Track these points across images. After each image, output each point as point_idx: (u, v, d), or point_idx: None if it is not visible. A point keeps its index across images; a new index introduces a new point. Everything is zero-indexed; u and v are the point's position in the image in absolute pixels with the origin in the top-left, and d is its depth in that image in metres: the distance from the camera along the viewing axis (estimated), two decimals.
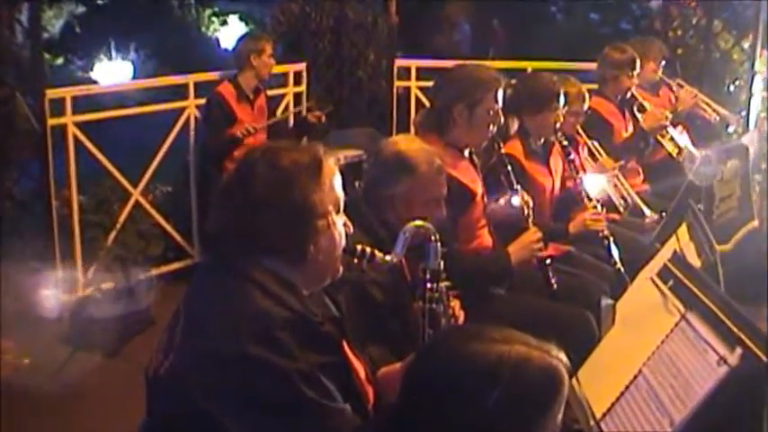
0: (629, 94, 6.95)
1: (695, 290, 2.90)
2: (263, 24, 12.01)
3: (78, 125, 6.98)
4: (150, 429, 2.74)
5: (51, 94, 6.74)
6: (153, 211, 7.67)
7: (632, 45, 7.13)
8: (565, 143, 5.67)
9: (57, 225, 6.77)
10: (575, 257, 5.52)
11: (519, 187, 4.93)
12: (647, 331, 3.00)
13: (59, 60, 18.80)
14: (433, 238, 3.38)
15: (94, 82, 17.03)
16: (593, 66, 7.11)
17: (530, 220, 4.83)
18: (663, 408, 2.67)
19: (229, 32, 20.38)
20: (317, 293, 2.84)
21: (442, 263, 3.44)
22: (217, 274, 2.68)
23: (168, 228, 7.76)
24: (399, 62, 9.35)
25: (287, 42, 9.34)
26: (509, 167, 4.98)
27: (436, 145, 4.31)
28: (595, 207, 5.44)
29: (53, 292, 6.51)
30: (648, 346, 2.91)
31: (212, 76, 7.97)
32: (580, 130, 6.21)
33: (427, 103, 7.53)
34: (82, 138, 7.01)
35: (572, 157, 5.68)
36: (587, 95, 6.11)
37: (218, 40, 21.40)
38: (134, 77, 18.01)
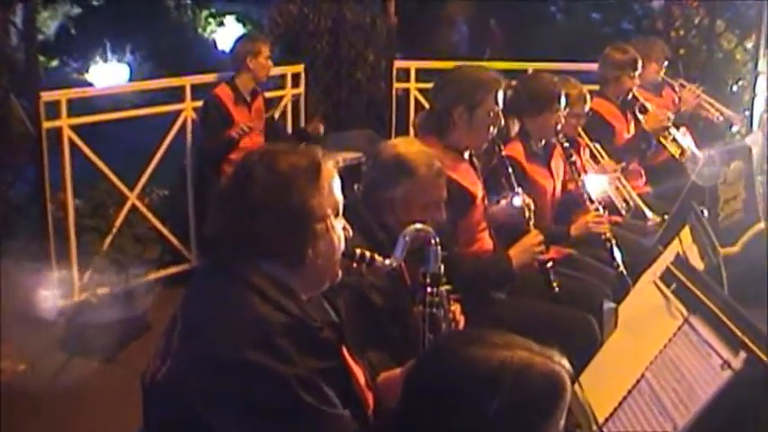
0: (630, 95, 6.94)
1: (698, 293, 2.89)
2: (261, 25, 12.02)
3: (74, 128, 6.99)
4: None
5: (46, 96, 6.73)
6: (149, 215, 7.66)
7: (634, 45, 7.13)
8: (566, 145, 5.67)
9: (52, 229, 6.78)
10: (576, 260, 5.52)
11: (520, 190, 4.93)
12: (649, 335, 3.00)
13: (54, 62, 18.78)
14: (433, 241, 3.38)
15: (90, 84, 17.01)
16: (594, 66, 7.11)
17: (531, 223, 4.83)
18: (666, 412, 2.67)
19: (226, 34, 20.34)
20: (316, 298, 2.84)
21: (442, 266, 3.45)
22: (215, 279, 2.69)
23: (165, 231, 7.75)
24: (398, 63, 9.36)
25: (284, 44, 9.33)
26: (510, 170, 4.98)
27: (436, 147, 4.31)
28: (597, 209, 5.44)
29: (49, 297, 6.51)
30: (651, 350, 2.90)
31: (209, 78, 7.97)
32: (581, 132, 6.21)
33: (427, 105, 7.53)
34: (77, 141, 7.01)
35: (573, 158, 5.68)
36: (588, 96, 6.11)
37: (214, 42, 21.37)
38: (130, 80, 17.99)
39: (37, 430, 5.51)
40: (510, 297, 4.86)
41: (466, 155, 4.82)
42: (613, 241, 5.30)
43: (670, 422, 2.63)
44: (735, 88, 9.02)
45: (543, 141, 5.64)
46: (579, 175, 5.64)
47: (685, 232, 3.67)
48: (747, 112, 8.46)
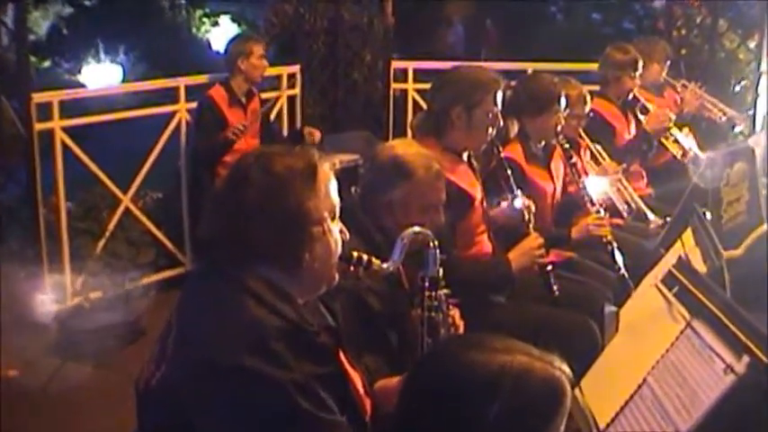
0: (631, 96, 6.94)
1: (701, 296, 2.89)
2: (256, 25, 12.03)
3: (66, 130, 6.99)
4: None
5: (38, 98, 6.74)
6: (143, 218, 7.67)
7: (636, 45, 7.13)
8: (566, 146, 5.67)
9: (44, 232, 6.78)
10: (577, 263, 5.52)
11: (519, 192, 4.93)
12: (651, 339, 3.00)
13: (46, 63, 18.79)
14: (431, 244, 3.39)
15: (82, 85, 17.02)
16: (594, 67, 7.11)
17: (531, 226, 4.83)
18: (668, 417, 2.67)
19: (221, 34, 20.36)
20: (312, 302, 2.84)
21: (440, 270, 3.45)
22: (210, 283, 2.68)
23: (159, 235, 7.75)
24: (396, 64, 9.36)
25: (280, 44, 9.35)
26: (509, 171, 4.98)
27: (434, 149, 4.30)
28: (598, 212, 5.44)
29: (41, 302, 6.50)
30: (653, 355, 2.90)
31: (203, 78, 7.97)
32: (582, 133, 6.21)
33: (424, 106, 7.53)
34: (69, 143, 7.01)
35: (574, 160, 5.68)
36: (589, 97, 6.11)
37: (209, 42, 21.39)
38: (123, 80, 18.01)
39: None
40: (510, 301, 4.86)
41: (464, 156, 4.81)
42: (614, 244, 5.30)
43: (672, 428, 2.63)
44: (738, 88, 9.04)
45: (543, 143, 5.64)
46: (580, 177, 5.64)
47: (687, 235, 3.67)
48: (750, 113, 8.47)
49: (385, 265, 3.20)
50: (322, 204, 2.70)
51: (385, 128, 9.18)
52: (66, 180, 6.98)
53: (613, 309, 3.56)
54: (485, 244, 4.90)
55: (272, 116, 8.44)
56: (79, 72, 18.79)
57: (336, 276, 2.84)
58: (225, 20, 21.69)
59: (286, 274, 2.67)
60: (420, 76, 9.04)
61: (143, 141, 7.73)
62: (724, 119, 7.71)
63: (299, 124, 8.76)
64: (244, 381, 2.45)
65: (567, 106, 5.59)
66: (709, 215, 3.92)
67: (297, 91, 8.91)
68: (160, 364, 2.60)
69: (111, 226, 7.38)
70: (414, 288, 3.58)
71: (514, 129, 5.61)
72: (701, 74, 8.81)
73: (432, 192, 3.96)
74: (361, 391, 2.96)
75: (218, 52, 18.45)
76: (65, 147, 6.97)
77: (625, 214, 6.09)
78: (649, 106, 7.00)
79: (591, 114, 6.22)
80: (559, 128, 5.55)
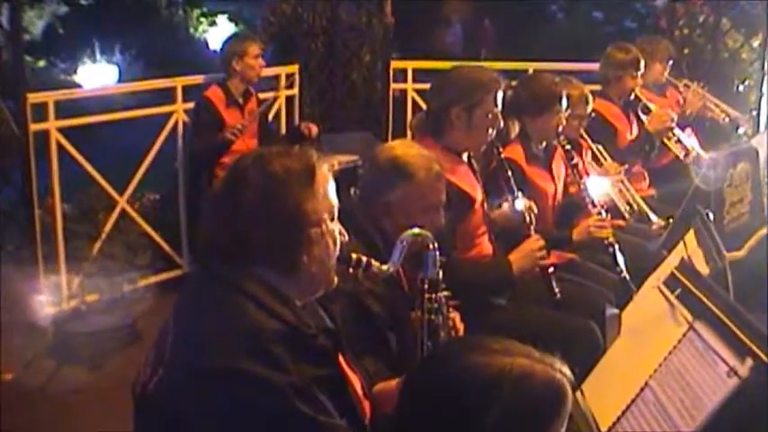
0: (633, 96, 6.93)
1: (704, 299, 2.89)
2: (254, 25, 12.03)
3: (62, 130, 6.99)
4: None
5: (33, 98, 6.74)
6: (140, 220, 7.67)
7: (637, 45, 7.14)
8: (567, 147, 5.67)
9: (40, 235, 6.77)
10: (578, 265, 5.52)
11: (520, 193, 4.93)
12: (653, 342, 3.00)
13: (41, 63, 18.76)
14: (431, 246, 3.39)
15: (78, 85, 17.00)
16: (595, 66, 7.11)
17: (532, 227, 4.83)
18: (671, 421, 2.67)
19: (218, 33, 20.35)
20: (311, 304, 2.84)
21: (440, 272, 3.45)
22: (207, 285, 2.68)
23: (156, 237, 7.76)
24: (395, 64, 9.36)
25: (278, 44, 9.34)
26: (509, 173, 4.98)
27: (433, 149, 4.29)
28: (600, 213, 5.44)
29: (37, 304, 6.50)
30: (655, 358, 2.90)
31: (201, 79, 7.97)
32: (583, 134, 6.21)
33: (424, 106, 7.53)
34: (65, 144, 7.01)
35: (575, 161, 5.68)
36: (591, 97, 6.11)
37: (206, 42, 21.38)
38: (119, 80, 17.99)
39: None
40: (510, 303, 4.87)
41: (464, 157, 4.81)
42: (616, 246, 5.30)
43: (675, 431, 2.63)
44: (741, 88, 9.03)
45: (544, 143, 5.64)
46: (581, 178, 5.64)
47: (690, 236, 3.66)
48: (754, 113, 8.47)
49: (384, 268, 3.20)
50: (320, 206, 2.70)
51: (384, 128, 9.18)
52: (62, 181, 6.98)
53: (615, 311, 3.57)
54: (485, 246, 4.90)
55: (270, 116, 8.42)
56: (75, 72, 18.78)
57: (335, 279, 2.84)
58: (222, 19, 21.69)
59: (284, 276, 2.67)
60: (419, 76, 9.04)
61: (140, 142, 7.73)
62: (727, 119, 7.71)
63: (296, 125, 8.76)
64: (242, 384, 2.45)
65: (568, 106, 5.59)
66: (711, 216, 3.92)
67: (295, 91, 8.92)
68: (157, 368, 2.60)
69: (108, 228, 7.39)
70: (413, 290, 3.57)
71: (515, 129, 5.61)
72: (704, 73, 8.80)
73: (432, 193, 3.95)
74: (361, 393, 2.97)
75: (215, 52, 18.38)
76: (60, 148, 6.97)
77: (627, 215, 6.09)
78: (651, 106, 6.99)
79: (592, 115, 6.21)
80: (560, 128, 5.55)
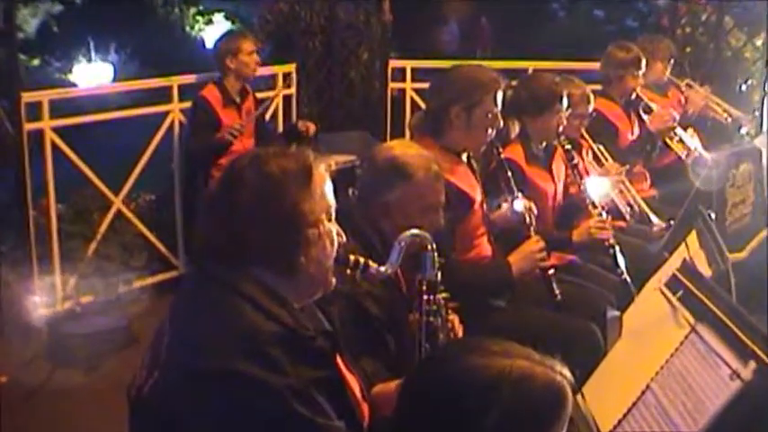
0: (634, 95, 6.93)
1: (706, 301, 2.89)
2: (251, 23, 12.02)
3: (56, 130, 6.99)
4: None
5: (27, 97, 6.74)
6: (135, 221, 7.67)
7: (639, 44, 7.14)
8: (568, 147, 5.67)
9: (34, 235, 6.77)
10: (579, 267, 5.52)
11: (520, 194, 4.93)
12: (655, 344, 3.00)
13: (36, 62, 18.76)
14: (429, 247, 3.39)
15: (73, 84, 17.01)
16: (596, 65, 7.11)
17: (532, 229, 4.83)
18: (673, 425, 2.67)
19: (215, 32, 20.34)
20: (309, 306, 2.84)
21: (439, 273, 3.45)
22: (203, 287, 2.68)
23: (152, 238, 7.76)
24: (393, 63, 9.37)
25: (276, 42, 9.34)
26: (509, 173, 4.98)
27: (432, 149, 4.29)
28: (600, 214, 5.44)
29: (30, 306, 6.50)
30: (657, 360, 2.90)
31: (197, 78, 7.95)
32: (585, 134, 6.21)
33: (423, 106, 7.53)
34: (60, 143, 7.01)
35: (575, 161, 5.68)
36: (592, 97, 6.10)
37: (203, 41, 21.37)
38: (115, 80, 17.98)
39: None
40: (510, 305, 4.86)
41: (464, 157, 4.81)
42: (617, 247, 5.30)
43: None
44: (744, 88, 9.04)
45: (544, 143, 5.64)
46: (581, 179, 5.64)
47: (692, 237, 3.67)
48: (757, 113, 8.48)
49: (382, 269, 3.20)
50: (317, 206, 2.70)
51: (382, 128, 9.18)
52: (57, 181, 6.98)
53: (616, 313, 3.57)
54: (484, 247, 4.90)
55: (268, 116, 8.42)
56: (70, 71, 18.77)
57: (333, 280, 2.84)
58: (219, 18, 21.68)
59: (281, 277, 2.67)
60: (418, 75, 9.04)
61: (135, 142, 7.73)
62: (729, 119, 7.71)
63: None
64: (239, 386, 2.45)
65: (569, 106, 5.59)
66: (713, 217, 3.92)
67: (292, 90, 8.91)
68: (153, 371, 2.60)
69: (103, 228, 7.38)
70: (412, 292, 3.57)
71: (515, 129, 5.60)
72: (707, 73, 8.81)
73: (430, 193, 3.95)
74: (359, 396, 2.97)
75: (211, 51, 18.43)
76: (55, 147, 6.97)
77: (628, 216, 6.09)
78: (653, 106, 6.99)
79: (593, 114, 6.21)
80: (561, 128, 5.55)
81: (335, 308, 3.08)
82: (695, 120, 7.51)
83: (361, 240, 3.65)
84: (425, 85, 5.65)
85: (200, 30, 21.89)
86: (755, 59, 9.08)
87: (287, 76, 8.87)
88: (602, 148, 6.35)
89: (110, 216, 7.44)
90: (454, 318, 3.84)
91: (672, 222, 5.19)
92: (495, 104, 4.73)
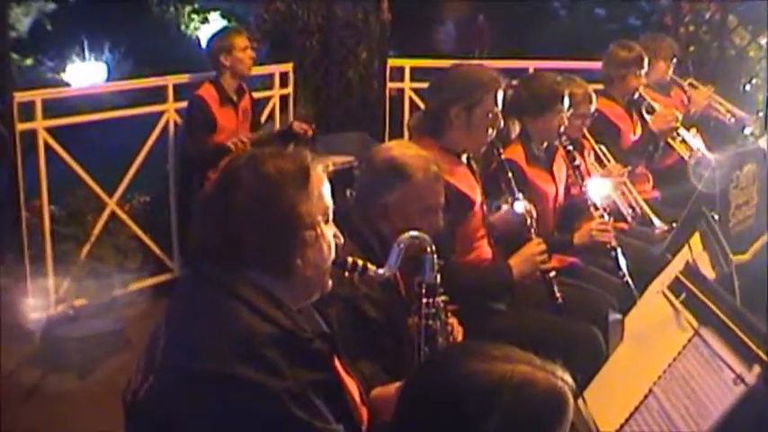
0: (636, 95, 6.93)
1: (709, 303, 2.89)
2: (247, 22, 12.03)
3: (49, 130, 6.98)
4: None
5: (20, 97, 6.73)
6: (130, 223, 7.66)
7: (641, 42, 7.13)
8: (569, 148, 5.67)
9: (26, 237, 6.76)
10: (580, 270, 5.52)
11: (521, 195, 4.92)
12: (657, 348, 3.00)
13: (29, 61, 18.78)
14: (429, 249, 3.39)
15: (66, 84, 17.04)
16: (598, 65, 7.11)
17: (532, 231, 4.83)
18: (675, 430, 2.67)
19: (210, 31, 20.34)
20: (306, 309, 2.84)
21: (438, 276, 3.45)
22: (199, 289, 2.68)
23: (146, 240, 7.75)
24: (392, 62, 9.37)
25: (272, 41, 9.35)
26: (510, 174, 4.97)
27: (431, 149, 4.29)
28: (602, 216, 5.44)
29: (23, 309, 6.50)
30: (660, 364, 2.90)
31: (192, 77, 7.94)
32: (586, 134, 6.21)
33: (422, 106, 7.52)
34: (53, 144, 7.00)
35: (577, 162, 5.68)
36: (594, 96, 6.10)
37: (198, 40, 21.39)
38: (109, 79, 18.02)
39: None
40: (510, 308, 4.86)
41: (463, 158, 4.80)
42: (619, 249, 5.30)
43: None
44: (748, 87, 9.03)
45: (545, 144, 5.64)
46: (583, 180, 5.64)
47: (695, 239, 3.67)
48: (761, 113, 8.47)
49: (381, 271, 3.20)
50: (315, 208, 2.70)
51: (381, 128, 9.19)
52: (50, 183, 6.96)
53: (618, 316, 3.56)
54: (485, 249, 4.90)
55: (264, 116, 8.42)
56: (63, 70, 18.80)
57: (330, 283, 2.84)
58: (215, 16, 21.70)
59: (278, 279, 2.67)
60: (417, 74, 9.04)
61: (130, 142, 7.73)
62: (733, 119, 7.70)
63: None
64: (235, 389, 2.45)
65: (571, 105, 5.59)
66: (716, 218, 3.92)
67: (289, 90, 8.92)
68: (148, 375, 2.60)
69: (97, 230, 7.38)
70: (411, 295, 3.57)
71: (516, 129, 5.60)
72: (710, 72, 8.82)
73: (430, 195, 3.95)
74: (357, 399, 2.97)
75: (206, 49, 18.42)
76: (48, 148, 6.96)
77: (630, 218, 6.09)
78: (656, 106, 6.99)
79: (595, 115, 6.21)
80: (562, 128, 5.55)
81: (333, 310, 3.09)
82: (698, 120, 7.51)
83: (360, 242, 3.65)
84: (424, 85, 5.65)
85: (195, 28, 21.92)
86: (760, 58, 9.08)
87: (284, 75, 8.86)
88: (603, 148, 6.35)
89: (104, 218, 7.44)
90: (453, 321, 3.84)
91: (674, 224, 5.19)
92: (496, 104, 4.73)
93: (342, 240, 2.88)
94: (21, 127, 6.71)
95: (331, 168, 6.84)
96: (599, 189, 5.69)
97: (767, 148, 5.32)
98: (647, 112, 6.98)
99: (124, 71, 17.74)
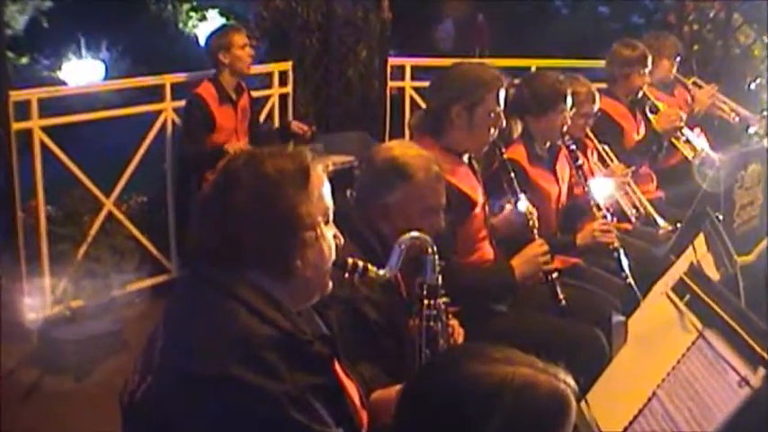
0: (640, 94, 6.93)
1: (714, 305, 2.89)
2: (246, 20, 12.04)
3: (45, 130, 6.98)
4: None
5: (16, 96, 6.73)
6: (127, 223, 7.66)
7: (644, 41, 7.14)
8: (572, 147, 5.67)
9: (22, 238, 6.76)
10: (583, 271, 5.52)
11: (523, 195, 4.92)
12: (661, 350, 3.00)
13: (24, 59, 18.76)
14: (430, 250, 3.39)
15: (63, 83, 17.02)
16: (601, 64, 7.11)
17: (535, 231, 4.83)
18: None
19: (209, 29, 20.34)
20: (306, 311, 2.84)
21: (440, 277, 3.45)
22: (197, 290, 2.68)
23: (144, 241, 7.75)
24: (392, 61, 9.37)
25: (271, 40, 9.33)
26: (512, 174, 4.97)
27: (432, 149, 4.29)
28: (605, 216, 5.44)
29: (19, 310, 6.50)
30: (663, 367, 2.91)
31: (190, 76, 7.94)
32: (590, 133, 6.21)
33: (423, 105, 7.52)
34: (49, 143, 7.00)
35: (580, 162, 5.68)
36: (597, 96, 6.11)
37: (196, 38, 21.38)
38: (106, 78, 18.00)
39: None
40: (512, 310, 4.86)
41: (465, 158, 4.80)
42: (622, 250, 5.30)
43: None
44: (752, 86, 9.03)
45: (548, 143, 5.64)
46: (586, 180, 5.64)
47: (700, 240, 3.66)
48: (766, 112, 8.46)
49: (381, 273, 3.20)
50: (315, 208, 2.70)
51: (381, 128, 9.18)
52: (46, 183, 6.96)
53: (621, 318, 3.57)
54: (486, 250, 4.90)
55: (263, 116, 8.42)
56: (59, 69, 18.78)
57: (330, 284, 2.84)
58: (213, 14, 21.69)
59: (277, 281, 2.67)
60: (418, 73, 9.05)
61: (127, 142, 7.73)
62: (737, 119, 7.70)
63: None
64: (233, 391, 2.45)
65: (573, 105, 5.59)
66: (721, 219, 3.92)
67: (289, 89, 8.91)
68: (146, 376, 2.60)
69: (94, 231, 7.37)
70: (412, 296, 3.58)
71: (518, 129, 5.60)
72: (714, 71, 8.82)
73: (431, 195, 3.95)
74: (357, 402, 2.96)
75: (205, 48, 18.40)
76: (44, 147, 6.96)
77: (633, 219, 6.09)
78: (659, 105, 6.99)
79: (598, 114, 6.21)
80: (565, 128, 5.55)
81: (333, 312, 3.09)
82: (702, 119, 7.51)
83: (360, 243, 3.65)
84: (425, 84, 5.65)
85: (193, 26, 21.91)
86: (765, 57, 9.08)
87: (283, 74, 8.86)
88: (607, 148, 6.35)
89: (101, 218, 7.43)
90: (455, 323, 3.85)
91: (678, 225, 5.19)
92: (498, 103, 4.73)
93: (342, 241, 2.88)
94: (16, 126, 6.70)
95: (331, 168, 6.88)
96: (602, 189, 5.70)
97: None
98: (651, 112, 6.98)
99: (121, 70, 17.71)
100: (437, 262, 3.41)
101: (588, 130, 6.18)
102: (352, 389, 2.95)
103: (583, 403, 3.08)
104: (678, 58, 7.56)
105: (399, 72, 9.27)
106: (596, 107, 6.09)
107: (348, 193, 4.09)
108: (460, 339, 3.84)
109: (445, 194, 4.03)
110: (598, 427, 3.00)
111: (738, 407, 2.52)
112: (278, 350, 2.50)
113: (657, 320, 3.19)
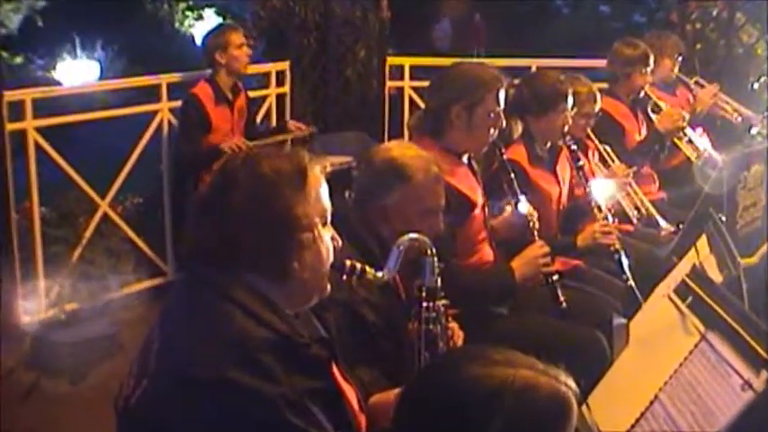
0: (642, 94, 6.93)
1: (716, 307, 2.89)
2: (242, 19, 12.03)
3: (40, 130, 6.98)
4: None
5: (9, 96, 6.72)
6: (123, 225, 7.65)
7: (646, 40, 7.13)
8: (573, 148, 5.67)
9: (16, 240, 6.75)
10: (584, 273, 5.52)
11: (523, 197, 4.92)
12: (663, 353, 3.00)
13: (18, 59, 18.76)
14: (429, 252, 3.39)
15: (57, 83, 17.01)
16: (602, 63, 7.11)
17: (535, 233, 4.83)
18: None
19: (205, 28, 20.35)
20: (304, 313, 2.83)
21: (439, 279, 3.45)
22: (194, 292, 2.68)
23: (139, 243, 7.74)
24: (391, 60, 9.36)
25: (269, 39, 9.33)
26: (512, 175, 4.97)
27: (432, 150, 4.28)
28: (606, 218, 5.45)
29: (13, 314, 6.49)
30: (665, 370, 2.90)
31: (187, 76, 7.94)
32: (591, 134, 6.21)
33: (422, 105, 7.52)
34: (44, 144, 7.00)
35: (581, 163, 5.68)
36: (598, 95, 6.10)
37: (192, 37, 21.39)
38: (101, 78, 18.00)
39: None
40: (512, 312, 4.86)
41: (464, 158, 4.80)
42: (623, 252, 5.29)
43: None
44: (755, 86, 9.02)
45: (548, 144, 5.64)
46: (587, 181, 5.64)
47: (702, 242, 3.66)
48: None
49: (380, 275, 3.20)
50: (312, 209, 2.70)
51: (380, 128, 9.18)
52: (41, 184, 6.96)
53: (623, 320, 3.56)
54: (486, 252, 4.90)
55: (260, 116, 8.41)
56: (54, 68, 18.78)
57: (328, 286, 2.84)
58: (209, 13, 21.69)
59: (274, 283, 2.67)
60: (417, 73, 9.05)
61: (122, 142, 7.72)
62: (739, 119, 7.70)
63: None
64: (230, 394, 2.45)
65: (575, 105, 5.59)
66: (723, 220, 3.92)
67: (286, 89, 8.90)
68: (141, 380, 2.59)
69: (89, 233, 7.37)
70: (410, 299, 3.57)
71: (518, 129, 5.60)
72: (717, 70, 8.81)
73: (430, 196, 3.95)
74: (356, 406, 2.96)
75: (201, 47, 18.41)
76: (38, 148, 6.95)
77: (635, 220, 6.09)
78: (661, 105, 6.99)
79: (599, 114, 6.21)
80: (566, 128, 5.55)
81: (331, 315, 3.09)
82: (704, 119, 7.51)
83: (358, 245, 3.65)
84: (424, 84, 5.64)
85: (189, 26, 21.92)
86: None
87: (280, 74, 8.86)
88: (608, 148, 6.35)
89: (96, 220, 7.43)
90: (454, 325, 3.84)
91: (681, 226, 5.19)
92: (498, 103, 4.73)
93: (340, 243, 2.88)
94: (10, 127, 6.70)
95: (329, 169, 6.86)
96: (603, 190, 5.70)
97: None
98: (653, 112, 6.98)
99: (117, 70, 17.74)
100: (436, 264, 3.41)
101: (589, 131, 6.18)
102: (350, 392, 2.95)
103: (584, 406, 3.08)
104: (680, 58, 7.56)
105: (398, 72, 9.27)
106: (597, 107, 6.09)
107: (346, 194, 4.08)
108: (460, 342, 3.83)
109: (444, 196, 4.03)
110: (599, 431, 3.00)
111: (741, 410, 2.52)
112: (274, 353, 2.50)
113: (659, 323, 3.19)
